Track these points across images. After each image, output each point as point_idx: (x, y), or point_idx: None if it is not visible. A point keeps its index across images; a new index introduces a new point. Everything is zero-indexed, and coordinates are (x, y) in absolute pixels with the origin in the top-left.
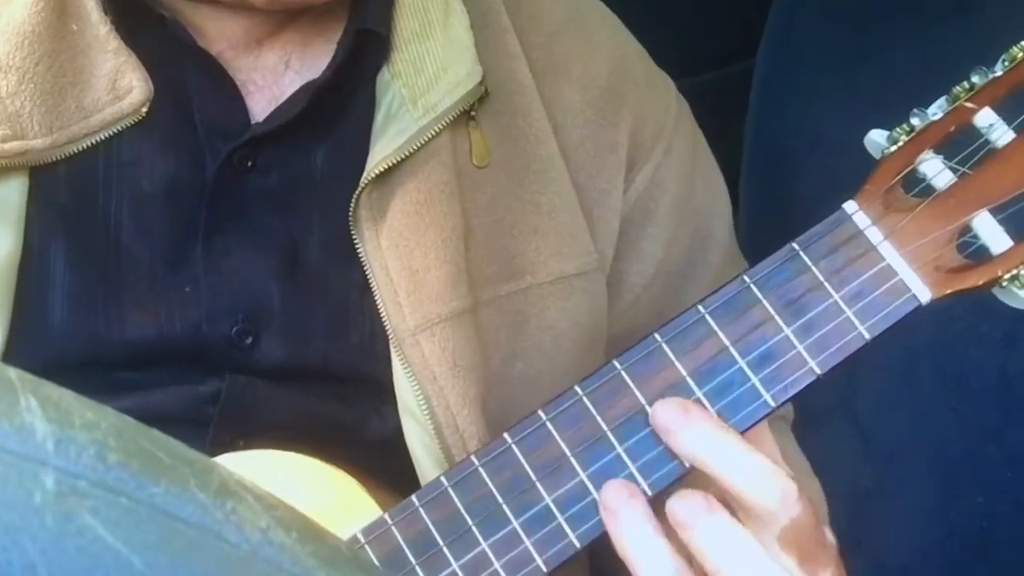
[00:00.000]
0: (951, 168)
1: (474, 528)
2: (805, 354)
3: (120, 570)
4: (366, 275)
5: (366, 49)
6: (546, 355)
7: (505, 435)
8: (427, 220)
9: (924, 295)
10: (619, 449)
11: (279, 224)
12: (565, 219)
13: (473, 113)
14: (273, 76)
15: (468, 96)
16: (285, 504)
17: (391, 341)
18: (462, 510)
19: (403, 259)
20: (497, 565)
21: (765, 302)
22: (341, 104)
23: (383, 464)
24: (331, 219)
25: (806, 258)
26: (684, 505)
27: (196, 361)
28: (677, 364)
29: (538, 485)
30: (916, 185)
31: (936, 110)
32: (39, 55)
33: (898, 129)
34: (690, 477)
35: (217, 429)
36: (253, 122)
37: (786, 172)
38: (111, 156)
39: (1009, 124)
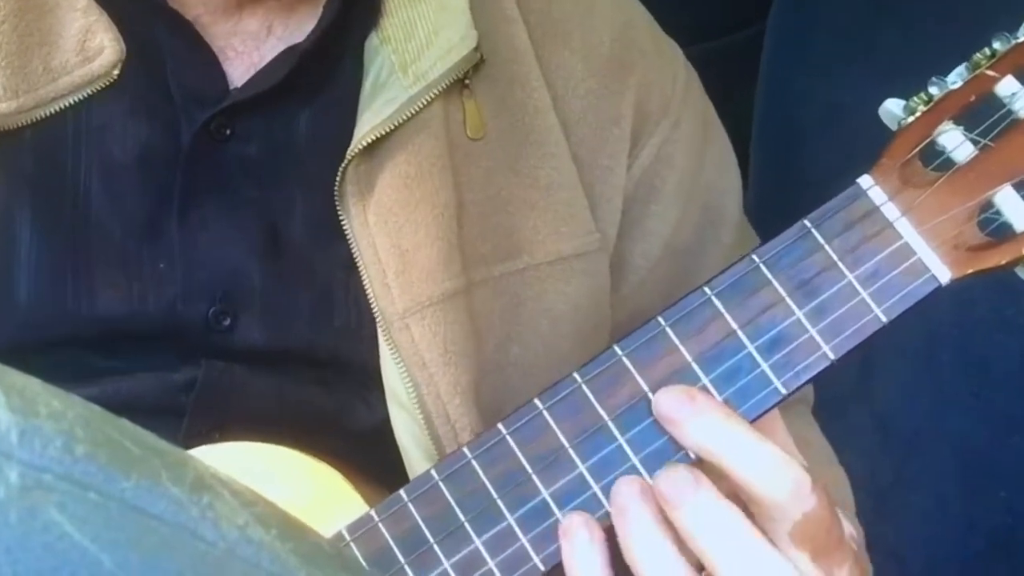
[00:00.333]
0: (972, 140)
1: (466, 524)
2: (818, 338)
3: (88, 569)
4: (352, 254)
5: (354, 13)
6: (544, 341)
7: (499, 425)
8: (417, 195)
9: (944, 275)
10: (620, 440)
11: (259, 198)
12: (564, 196)
13: (467, 81)
14: (254, 42)
15: (462, 63)
16: (264, 499)
17: (378, 325)
18: (454, 505)
19: (392, 237)
20: (491, 564)
21: (775, 283)
22: (326, 71)
23: (369, 456)
24: (315, 194)
25: (819, 236)
26: (670, 479)
27: (170, 344)
28: (682, 349)
29: (534, 478)
30: (935, 158)
31: (955, 78)
32: (4, 13)
33: (915, 99)
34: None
35: (192, 419)
36: (232, 88)
37: (797, 144)
38: (80, 122)
39: None
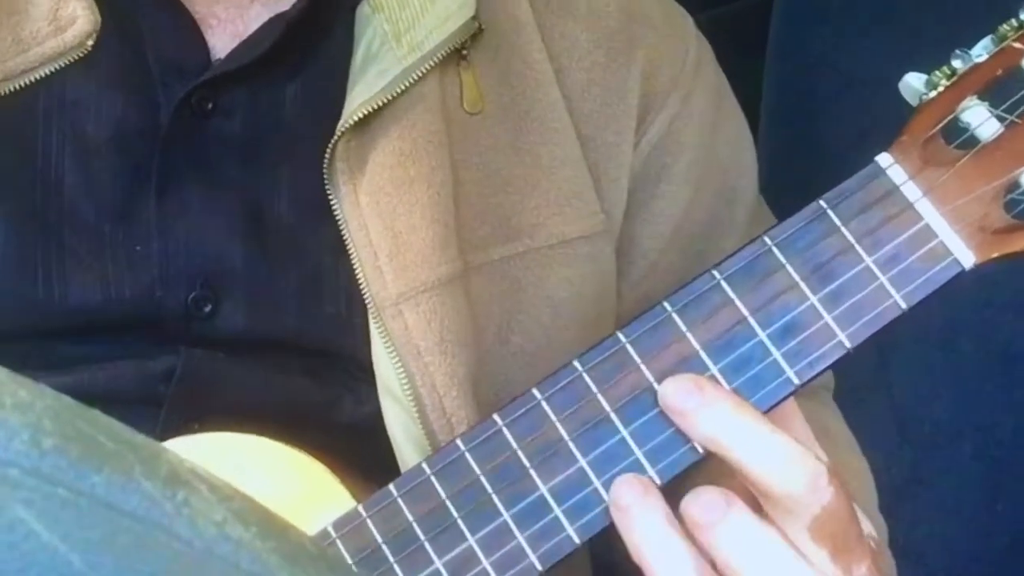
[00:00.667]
0: (998, 116)
1: (460, 521)
2: (834, 325)
3: (57, 570)
4: (342, 236)
5: None
6: (545, 329)
7: (495, 416)
8: (412, 174)
9: (967, 259)
10: (624, 432)
11: (244, 176)
12: (567, 174)
13: (465, 52)
14: (238, 10)
15: (459, 32)
16: (243, 495)
17: (370, 311)
18: (446, 501)
19: (384, 218)
20: (486, 563)
21: (789, 267)
22: (315, 41)
23: (358, 450)
24: (303, 172)
25: (835, 217)
26: (701, 503)
27: (148, 332)
28: (689, 336)
29: (532, 473)
30: (958, 135)
31: (981, 51)
32: None
33: (937, 72)
34: (704, 464)
35: (170, 410)
36: (214, 59)
37: (812, 118)
38: (52, 96)
39: None
